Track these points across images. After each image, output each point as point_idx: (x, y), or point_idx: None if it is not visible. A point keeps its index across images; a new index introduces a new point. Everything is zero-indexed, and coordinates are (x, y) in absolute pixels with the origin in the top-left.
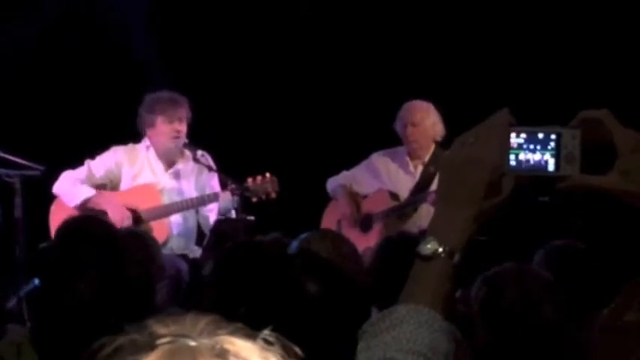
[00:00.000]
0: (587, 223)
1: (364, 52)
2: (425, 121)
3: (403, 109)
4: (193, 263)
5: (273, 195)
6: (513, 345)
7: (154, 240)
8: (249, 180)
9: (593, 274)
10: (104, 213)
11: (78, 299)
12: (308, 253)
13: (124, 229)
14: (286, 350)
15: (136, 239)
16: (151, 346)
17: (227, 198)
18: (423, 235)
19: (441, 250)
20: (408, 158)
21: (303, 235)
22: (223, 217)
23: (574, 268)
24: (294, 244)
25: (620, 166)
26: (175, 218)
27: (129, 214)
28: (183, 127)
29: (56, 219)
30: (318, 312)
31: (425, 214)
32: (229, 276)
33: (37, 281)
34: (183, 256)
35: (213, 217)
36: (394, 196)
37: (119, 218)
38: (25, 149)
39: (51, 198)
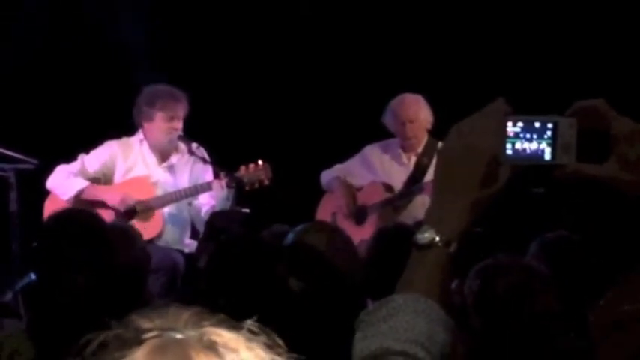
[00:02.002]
0: (581, 214)
1: (357, 44)
2: (420, 115)
3: (396, 106)
4: (189, 257)
5: (267, 182)
6: (507, 336)
7: (138, 233)
8: (242, 168)
9: (588, 265)
10: (101, 203)
11: (69, 292)
12: (303, 246)
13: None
14: (271, 340)
15: (120, 232)
16: (138, 341)
17: (221, 189)
18: (418, 226)
19: (437, 239)
20: (400, 150)
21: (299, 228)
22: (218, 210)
23: (568, 260)
24: (290, 237)
25: (616, 155)
26: (169, 209)
27: (129, 195)
28: (180, 125)
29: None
30: (313, 304)
31: (419, 205)
32: (223, 268)
33: (33, 276)
34: (179, 252)
35: (204, 210)
36: (388, 188)
37: (119, 201)
38: (19, 143)
39: (46, 192)
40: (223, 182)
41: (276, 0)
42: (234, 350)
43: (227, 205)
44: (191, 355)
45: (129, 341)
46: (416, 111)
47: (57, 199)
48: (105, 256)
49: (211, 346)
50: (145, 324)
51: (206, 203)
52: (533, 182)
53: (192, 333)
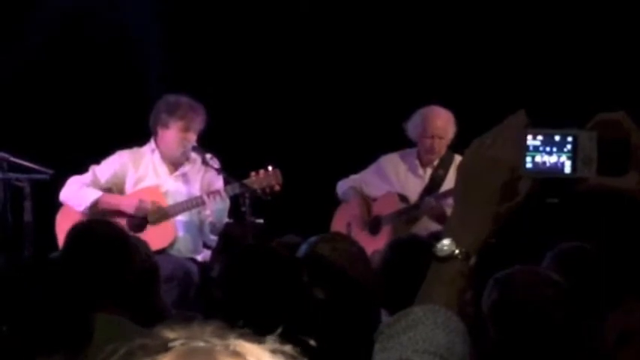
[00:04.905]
0: (598, 224)
1: (372, 53)
2: (448, 132)
3: (427, 118)
4: (203, 266)
5: (277, 188)
6: (523, 347)
7: (144, 243)
8: (252, 174)
9: (603, 276)
10: (116, 212)
11: (92, 303)
12: (317, 257)
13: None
14: (293, 353)
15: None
16: (165, 348)
17: (218, 200)
18: (432, 237)
19: (457, 251)
20: (417, 161)
21: (312, 239)
22: (232, 221)
23: (584, 270)
24: (303, 248)
25: (637, 168)
26: (181, 218)
27: (145, 198)
28: (194, 137)
29: (62, 227)
30: (327, 316)
31: None
32: (238, 279)
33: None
34: (193, 260)
35: (208, 221)
36: (403, 198)
37: (135, 204)
38: (34, 153)
39: (60, 202)
40: (223, 193)
41: (288, 8)
42: (261, 359)
43: (224, 217)
44: None
45: (154, 349)
46: (446, 128)
47: (69, 212)
48: (126, 268)
49: (238, 354)
50: (169, 334)
51: (210, 214)
52: (547, 193)
53: (217, 342)
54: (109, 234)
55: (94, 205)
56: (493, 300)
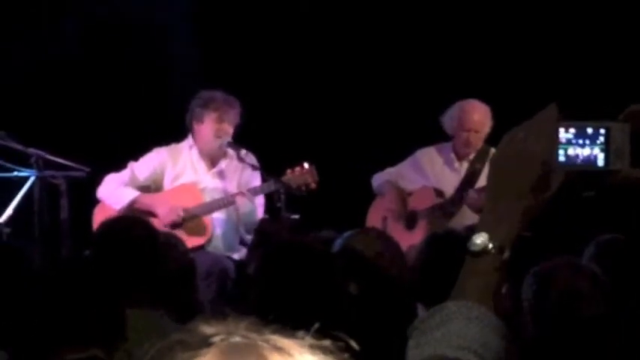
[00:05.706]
0: (630, 216)
1: (406, 47)
2: (485, 126)
3: (464, 112)
4: (239, 263)
5: (313, 185)
6: (563, 340)
7: (180, 240)
8: (288, 171)
9: (638, 267)
10: (152, 213)
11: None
12: (351, 252)
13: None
14: (331, 349)
15: (163, 240)
16: (207, 344)
17: (245, 203)
18: (469, 232)
19: (490, 245)
20: (453, 155)
21: (347, 234)
22: (267, 217)
23: (624, 263)
24: (338, 243)
25: None
26: (217, 215)
27: (179, 208)
28: (230, 130)
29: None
30: (362, 311)
31: (470, 211)
32: (273, 274)
33: None
34: (230, 258)
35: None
36: (439, 193)
37: (170, 213)
38: (70, 151)
39: (96, 199)
40: (249, 195)
41: (322, 4)
42: (302, 354)
43: (254, 217)
44: (266, 355)
45: (195, 345)
46: (483, 122)
47: (106, 208)
48: (155, 264)
49: (282, 350)
50: (207, 329)
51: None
52: (582, 186)
53: (256, 337)
54: (133, 229)
55: (130, 205)
56: (532, 294)
